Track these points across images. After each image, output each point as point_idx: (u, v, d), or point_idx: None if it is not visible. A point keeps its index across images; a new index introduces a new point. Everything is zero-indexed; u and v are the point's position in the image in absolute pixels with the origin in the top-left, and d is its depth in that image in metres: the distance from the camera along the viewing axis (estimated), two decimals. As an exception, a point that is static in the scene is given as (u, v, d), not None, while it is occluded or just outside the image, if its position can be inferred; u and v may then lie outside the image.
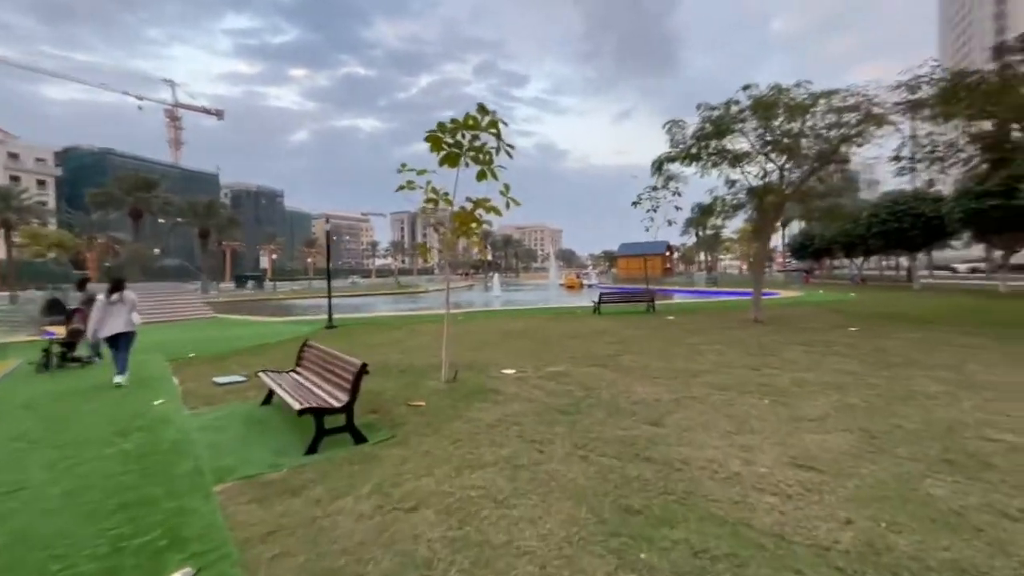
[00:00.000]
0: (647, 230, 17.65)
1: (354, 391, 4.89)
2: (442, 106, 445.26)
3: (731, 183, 14.76)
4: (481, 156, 6.92)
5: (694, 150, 13.51)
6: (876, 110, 12.23)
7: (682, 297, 28.69)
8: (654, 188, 16.29)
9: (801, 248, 42.84)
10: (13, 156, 78.50)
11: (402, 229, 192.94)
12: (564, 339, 11.35)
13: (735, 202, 15.00)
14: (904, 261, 42.07)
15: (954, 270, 48.46)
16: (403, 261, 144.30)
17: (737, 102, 13.29)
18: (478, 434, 4.83)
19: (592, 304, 18.12)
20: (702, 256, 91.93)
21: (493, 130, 6.80)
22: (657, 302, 18.67)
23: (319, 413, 4.73)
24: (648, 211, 16.80)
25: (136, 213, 49.84)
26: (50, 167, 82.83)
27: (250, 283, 62.61)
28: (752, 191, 14.65)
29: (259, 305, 33.24)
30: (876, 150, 14.68)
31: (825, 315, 15.61)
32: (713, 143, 13.47)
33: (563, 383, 6.85)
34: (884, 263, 55.85)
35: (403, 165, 7.18)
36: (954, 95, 12.03)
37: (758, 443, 4.36)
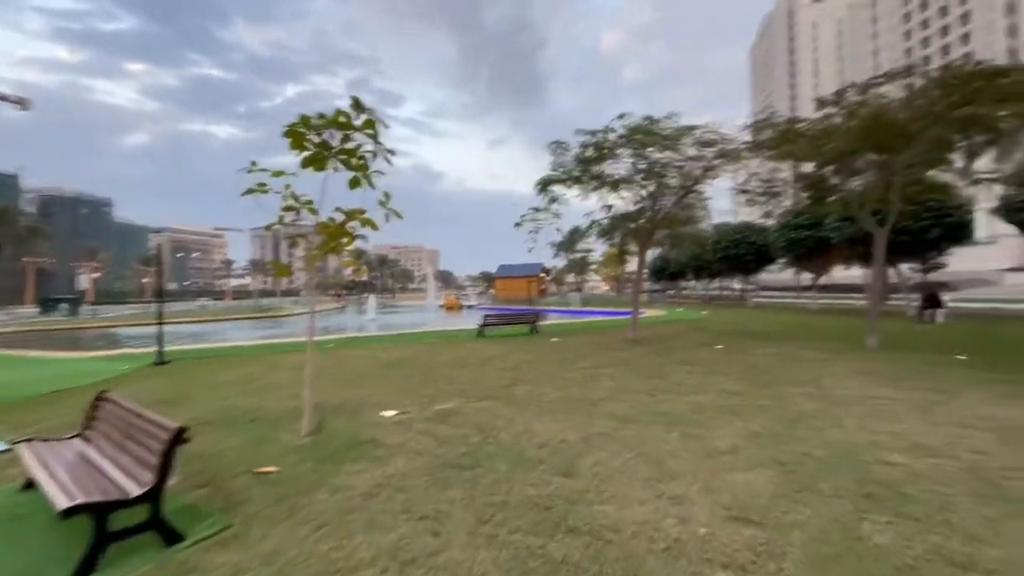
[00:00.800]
0: (530, 251, 17.68)
1: (164, 469, 3.42)
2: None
3: (608, 207, 15.26)
4: (354, 160, 5.79)
5: (576, 172, 13.68)
6: (730, 147, 13.52)
7: (559, 317, 29.40)
8: (536, 210, 16.30)
9: (660, 271, 47.49)
10: None
11: (263, 246, 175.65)
12: (451, 368, 10.37)
13: (611, 225, 15.53)
14: (735, 283, 48.85)
15: (780, 291, 57.30)
16: (265, 281, 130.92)
17: (614, 129, 13.79)
18: (350, 512, 3.65)
19: (476, 327, 17.41)
20: (571, 278, 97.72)
21: (369, 131, 5.74)
22: (539, 323, 18.61)
23: (101, 510, 3.18)
24: (530, 232, 16.78)
25: None
26: None
27: (61, 307, 51.04)
28: (628, 215, 15.29)
29: (70, 336, 26.79)
30: (728, 183, 16.35)
31: (691, 333, 16.78)
32: (594, 168, 13.79)
33: (455, 425, 5.89)
34: (721, 284, 64.48)
35: (253, 163, 5.75)
36: (786, 139, 13.82)
37: (684, 491, 3.86)
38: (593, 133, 13.79)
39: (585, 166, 13.57)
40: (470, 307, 50.61)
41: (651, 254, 64.84)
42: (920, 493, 3.72)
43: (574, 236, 15.41)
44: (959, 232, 21.34)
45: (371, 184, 5.81)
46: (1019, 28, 73.12)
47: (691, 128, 13.33)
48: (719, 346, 13.00)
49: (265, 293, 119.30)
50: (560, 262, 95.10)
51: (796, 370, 9.15)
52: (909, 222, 19.92)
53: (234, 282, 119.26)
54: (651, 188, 14.74)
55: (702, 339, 14.87)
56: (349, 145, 5.72)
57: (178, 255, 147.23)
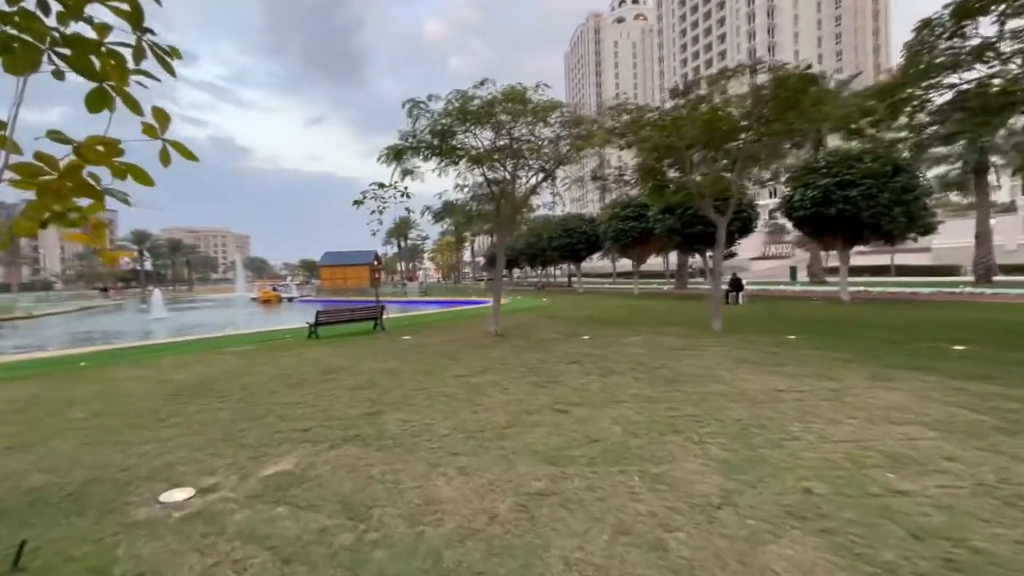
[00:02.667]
0: (374, 234, 15.14)
1: None
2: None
3: (463, 187, 13.63)
4: (99, 57, 3.01)
5: (435, 141, 11.64)
6: (596, 128, 13.00)
7: (400, 309, 26.99)
8: (381, 186, 13.86)
9: (493, 259, 48.14)
10: None
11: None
12: (281, 391, 7.62)
13: (475, 207, 13.96)
14: (555, 270, 52.13)
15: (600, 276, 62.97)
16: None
17: (472, 97, 12.10)
18: None
19: (306, 326, 14.22)
20: (400, 266, 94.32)
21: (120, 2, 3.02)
22: (383, 318, 16.13)
23: None
24: (373, 212, 14.26)
25: None
26: None
27: None
28: (492, 196, 13.86)
29: None
30: (578, 169, 16.03)
31: (547, 322, 16.24)
32: (456, 139, 11.93)
33: (304, 507, 3.62)
34: (552, 270, 68.72)
35: None
36: (640, 126, 13.91)
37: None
38: (450, 99, 11.89)
39: (442, 137, 11.62)
40: (291, 300, 44.44)
41: (484, 242, 65.55)
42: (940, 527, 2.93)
43: (438, 215, 13.41)
44: (748, 225, 25.08)
45: (133, 107, 3.10)
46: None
47: (559, 104, 12.41)
48: (585, 336, 12.48)
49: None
50: (391, 249, 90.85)
51: (678, 361, 8.81)
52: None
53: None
54: (509, 168, 13.52)
55: (562, 328, 14.32)
56: (78, 28, 2.92)
57: None
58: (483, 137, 12.79)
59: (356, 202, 13.99)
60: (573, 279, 50.44)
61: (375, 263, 57.32)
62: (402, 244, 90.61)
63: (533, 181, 14.09)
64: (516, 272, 66.18)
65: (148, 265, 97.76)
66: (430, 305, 29.67)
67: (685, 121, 13.17)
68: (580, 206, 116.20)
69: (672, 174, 16.12)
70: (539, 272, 49.50)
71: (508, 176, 13.38)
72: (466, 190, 14.13)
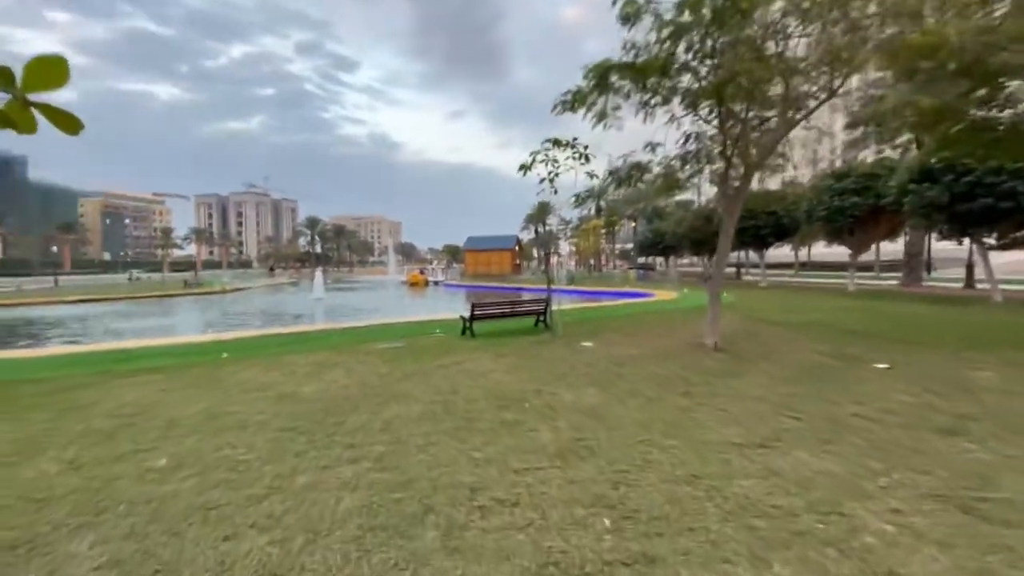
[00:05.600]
0: (547, 211, 11.91)
1: None
2: (262, 82, 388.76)
3: (688, 138, 9.63)
4: None
5: (668, 47, 7.73)
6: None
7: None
8: (555, 143, 10.62)
9: (651, 246, 42.47)
10: None
11: (210, 215, 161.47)
12: (441, 445, 4.71)
13: (684, 166, 9.96)
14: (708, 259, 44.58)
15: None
16: (211, 252, 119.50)
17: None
18: None
19: (459, 319, 11.68)
20: (535, 252, 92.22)
21: None
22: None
23: None
24: (545, 179, 11.11)
25: None
26: None
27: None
28: (706, 152, 9.74)
29: None
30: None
31: (773, 332, 11.58)
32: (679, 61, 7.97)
33: None
34: (691, 261, 60.64)
35: None
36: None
37: None
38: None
39: (674, 40, 7.66)
40: (436, 283, 44.56)
41: (635, 225, 59.94)
42: None
43: (621, 179, 10.15)
44: None
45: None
46: None
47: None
48: (880, 364, 7.82)
49: (210, 264, 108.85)
50: (527, 235, 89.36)
51: None
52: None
53: (177, 252, 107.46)
54: (741, 109, 9.17)
55: (812, 344, 9.70)
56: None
57: (108, 222, 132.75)
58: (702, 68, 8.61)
59: (523, 167, 10.94)
60: (752, 270, 43.05)
61: (516, 248, 55.83)
62: (540, 230, 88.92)
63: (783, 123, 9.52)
64: (659, 261, 59.68)
65: (318, 248, 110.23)
66: (581, 294, 26.24)
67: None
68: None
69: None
70: (705, 261, 42.94)
71: (736, 122, 9.07)
72: (677, 142, 10.14)
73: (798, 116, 8.86)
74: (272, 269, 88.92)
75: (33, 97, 1.06)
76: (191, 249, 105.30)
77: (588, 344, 9.90)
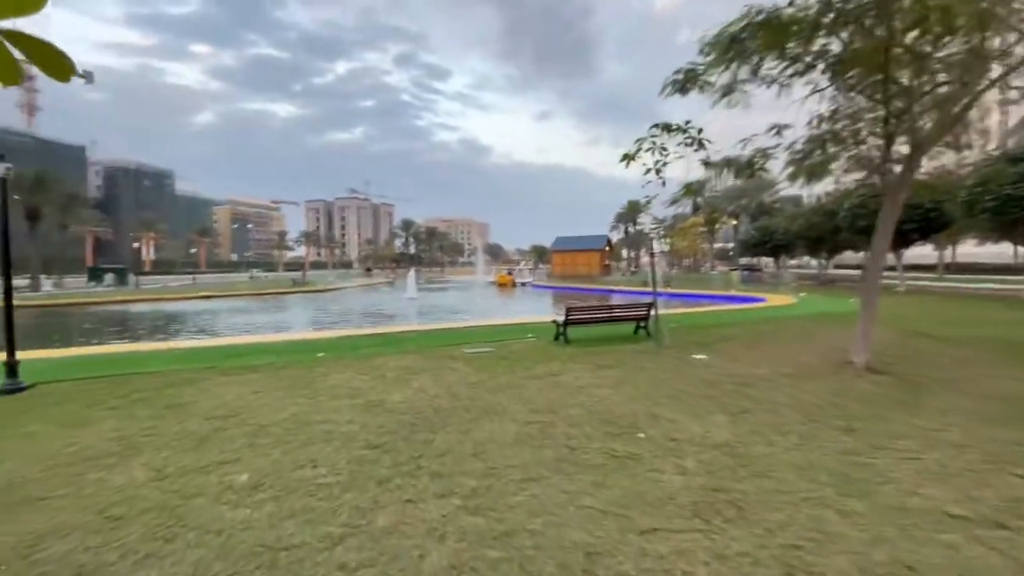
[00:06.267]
0: (647, 202, 10.75)
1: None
2: (363, 95, 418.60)
3: (831, 115, 8.03)
4: None
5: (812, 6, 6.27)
6: None
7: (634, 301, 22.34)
8: (667, 128, 9.42)
9: (759, 244, 38.51)
10: None
11: (317, 219, 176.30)
12: (543, 482, 3.92)
13: (825, 151, 8.33)
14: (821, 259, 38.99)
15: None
16: (318, 253, 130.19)
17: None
18: None
19: (552, 323, 10.87)
20: (624, 253, 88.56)
21: None
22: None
23: None
24: (651, 169, 9.93)
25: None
26: None
27: (108, 277, 49.15)
28: (876, 131, 8.01)
29: (64, 314, 22.69)
30: None
31: (950, 351, 9.40)
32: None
33: None
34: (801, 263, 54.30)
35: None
36: None
37: None
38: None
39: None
40: (523, 284, 44.23)
41: (736, 224, 55.29)
42: None
43: (743, 166, 8.77)
44: None
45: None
46: None
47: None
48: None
49: (317, 265, 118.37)
50: (616, 235, 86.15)
51: None
52: None
53: (290, 254, 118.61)
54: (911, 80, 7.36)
55: (1009, 370, 7.61)
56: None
57: (235, 226, 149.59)
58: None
59: (626, 156, 9.85)
60: (886, 272, 37.74)
61: (606, 249, 53.78)
62: (629, 229, 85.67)
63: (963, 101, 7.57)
64: (764, 261, 54.39)
65: (412, 249, 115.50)
66: (672, 298, 24.29)
67: None
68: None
69: None
70: (822, 262, 38.26)
71: (917, 83, 7.28)
72: (811, 123, 8.51)
73: (991, 78, 6.91)
74: (369, 269, 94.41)
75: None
76: (301, 251, 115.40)
77: (702, 357, 8.60)
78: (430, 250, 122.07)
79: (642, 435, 4.82)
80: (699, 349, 9.28)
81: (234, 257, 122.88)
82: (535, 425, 5.15)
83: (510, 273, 48.19)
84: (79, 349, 11.20)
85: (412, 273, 33.65)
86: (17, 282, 40.48)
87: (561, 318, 10.50)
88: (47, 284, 43.03)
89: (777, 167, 9.77)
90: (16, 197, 41.88)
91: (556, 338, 10.47)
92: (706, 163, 9.75)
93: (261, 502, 3.57)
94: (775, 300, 20.98)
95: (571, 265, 53.16)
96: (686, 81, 8.41)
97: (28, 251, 43.51)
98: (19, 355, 7.20)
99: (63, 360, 9.30)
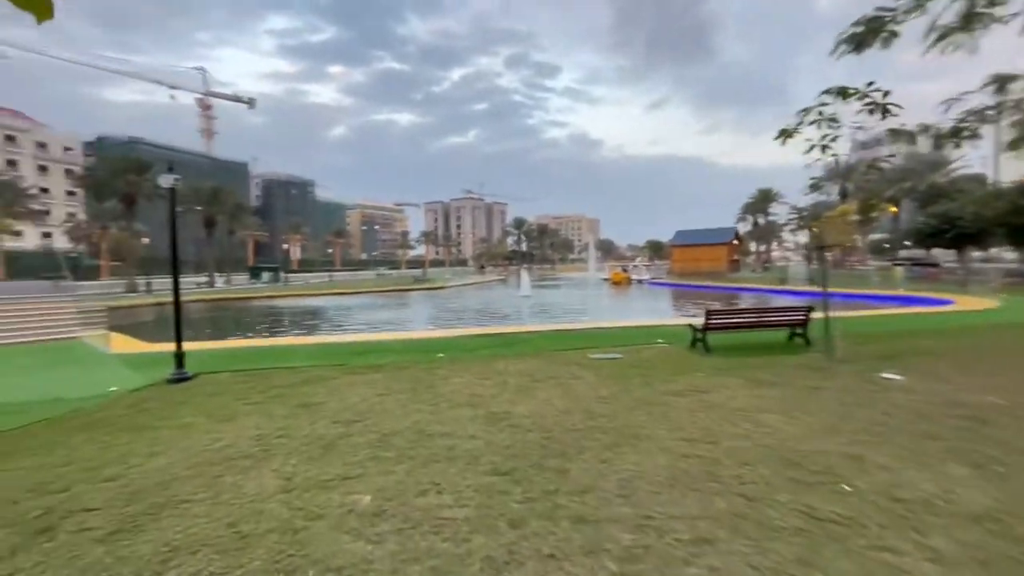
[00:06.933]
0: (815, 186, 9.16)
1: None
2: (477, 98, 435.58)
3: None
4: None
5: None
6: None
7: (787, 302, 19.45)
8: (842, 93, 7.79)
9: (934, 234, 31.81)
10: (41, 145, 75.58)
11: (435, 219, 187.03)
12: (703, 513, 3.00)
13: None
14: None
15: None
16: (436, 252, 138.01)
17: None
18: None
19: (689, 329, 9.59)
20: (752, 247, 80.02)
21: None
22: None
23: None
24: (817, 144, 8.33)
25: (128, 198, 43.81)
26: (76, 156, 79.39)
27: (264, 275, 56.78)
28: None
29: (229, 307, 26.25)
30: None
31: None
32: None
33: None
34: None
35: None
36: None
37: None
38: None
39: None
40: (640, 282, 42.03)
41: (896, 211, 46.88)
42: None
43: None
44: None
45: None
46: None
47: None
48: None
49: (436, 263, 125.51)
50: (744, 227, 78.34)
51: None
52: None
53: (411, 252, 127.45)
54: None
55: None
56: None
57: (364, 228, 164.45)
58: None
59: (784, 133, 8.33)
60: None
61: (734, 242, 48.83)
62: (759, 221, 77.68)
63: None
64: (935, 254, 45.19)
65: (524, 247, 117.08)
66: (830, 297, 20.85)
67: None
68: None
69: None
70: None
71: None
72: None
73: None
74: (483, 267, 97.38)
75: None
76: (421, 249, 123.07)
77: (895, 377, 6.83)
78: (541, 247, 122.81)
79: (847, 488, 3.63)
80: (886, 365, 7.44)
81: (363, 256, 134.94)
82: (692, 460, 4.19)
83: (624, 270, 46.11)
84: (235, 341, 12.47)
85: (525, 271, 33.56)
86: (197, 279, 48.23)
87: (698, 321, 9.21)
88: (219, 281, 50.50)
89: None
90: (198, 208, 50.07)
91: (693, 344, 9.21)
92: (897, 131, 7.84)
93: (383, 536, 3.14)
94: (966, 303, 17.04)
95: (693, 261, 49.30)
96: (867, 33, 6.78)
97: (205, 253, 51.68)
98: (186, 346, 7.94)
99: (221, 352, 10.28)
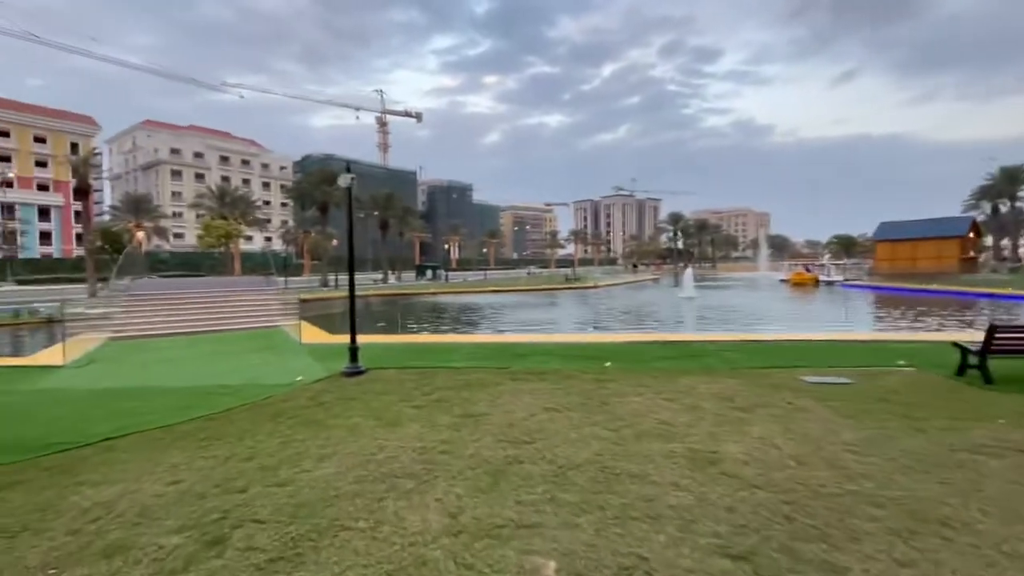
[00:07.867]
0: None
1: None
2: (628, 92, 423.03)
3: None
4: None
5: None
6: None
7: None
8: None
9: None
10: (265, 166, 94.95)
11: (584, 218, 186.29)
12: None
13: None
14: None
15: None
16: (585, 250, 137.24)
17: None
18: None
19: (955, 349, 7.00)
20: (991, 240, 62.25)
21: None
22: None
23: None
24: None
25: (323, 206, 51.46)
26: (288, 173, 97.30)
27: (428, 273, 62.17)
28: None
29: (399, 302, 28.76)
30: None
31: None
32: None
33: None
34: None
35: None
36: None
37: None
38: None
39: None
40: (831, 284, 35.61)
41: None
42: None
43: None
44: None
45: None
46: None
47: None
48: None
49: (584, 262, 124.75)
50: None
51: None
52: None
53: (560, 251, 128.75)
54: None
55: None
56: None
57: (515, 228, 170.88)
58: None
59: None
60: None
61: (969, 236, 38.07)
62: (1001, 208, 60.66)
63: None
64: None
65: (679, 244, 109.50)
66: None
67: None
68: None
69: None
70: None
71: None
72: None
73: None
74: (635, 266, 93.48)
75: None
76: (570, 248, 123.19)
77: None
78: (699, 244, 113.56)
79: None
80: None
81: (515, 255, 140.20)
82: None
83: (808, 269, 39.47)
84: (401, 336, 13.01)
85: (688, 270, 30.63)
86: (373, 276, 54.43)
87: (970, 340, 6.61)
88: (391, 278, 56.42)
89: None
90: (375, 213, 56.62)
91: (960, 372, 6.66)
92: None
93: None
94: None
95: (907, 258, 39.88)
96: None
97: (380, 253, 58.22)
98: (360, 339, 8.15)
99: (389, 346, 10.63)
